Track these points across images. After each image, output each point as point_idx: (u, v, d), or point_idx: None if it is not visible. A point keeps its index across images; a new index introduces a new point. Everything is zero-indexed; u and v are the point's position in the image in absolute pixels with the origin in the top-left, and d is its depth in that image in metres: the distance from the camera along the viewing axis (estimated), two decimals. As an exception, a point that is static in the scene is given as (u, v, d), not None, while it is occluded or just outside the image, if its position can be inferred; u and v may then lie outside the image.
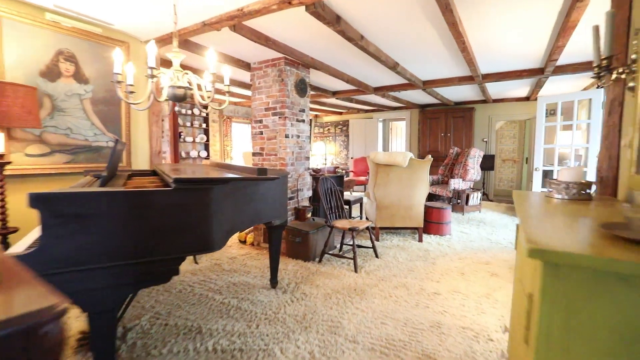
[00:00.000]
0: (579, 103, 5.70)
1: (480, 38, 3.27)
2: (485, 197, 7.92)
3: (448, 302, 2.81)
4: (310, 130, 10.71)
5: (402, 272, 3.46)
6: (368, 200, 4.91)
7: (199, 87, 2.07)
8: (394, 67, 4.07)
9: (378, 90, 5.74)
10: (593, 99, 4.99)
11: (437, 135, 8.26)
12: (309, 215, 4.11)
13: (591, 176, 5.03)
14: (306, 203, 4.38)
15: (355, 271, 3.45)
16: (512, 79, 4.68)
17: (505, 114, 7.78)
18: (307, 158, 4.39)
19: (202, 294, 2.88)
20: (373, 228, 4.73)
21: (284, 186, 2.71)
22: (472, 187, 6.72)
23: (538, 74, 4.47)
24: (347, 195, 6.08)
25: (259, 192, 2.20)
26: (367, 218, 5.13)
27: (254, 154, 4.25)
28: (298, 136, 4.18)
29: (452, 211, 6.40)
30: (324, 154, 10.40)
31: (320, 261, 3.75)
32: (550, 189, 1.45)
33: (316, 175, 4.62)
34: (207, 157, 6.95)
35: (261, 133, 4.15)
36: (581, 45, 3.45)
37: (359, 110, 9.52)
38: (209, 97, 1.99)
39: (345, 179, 8.65)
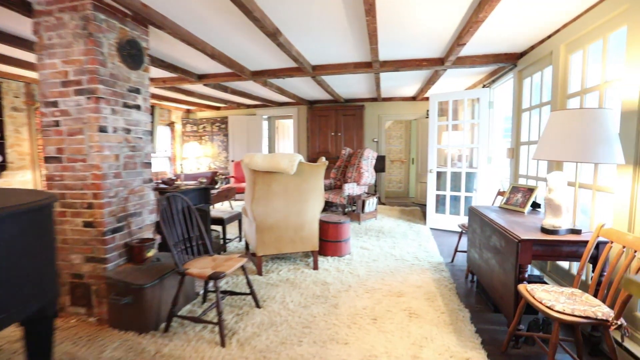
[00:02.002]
0: (461, 102, 5.63)
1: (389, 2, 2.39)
2: (378, 200, 7.54)
3: (366, 388, 1.79)
4: (152, 122, 8.85)
5: (295, 332, 2.33)
6: (247, 219, 3.66)
7: None
8: (274, 34, 2.92)
9: (258, 75, 4.54)
10: (481, 98, 4.81)
11: (327, 135, 7.53)
12: (151, 253, 2.63)
13: (484, 182, 4.87)
14: (149, 233, 2.86)
15: (222, 344, 2.17)
16: (411, 69, 4.07)
17: (393, 113, 7.54)
18: (148, 165, 2.88)
19: None
20: (254, 255, 3.52)
21: (37, 232, 1.24)
22: (367, 191, 6.13)
23: (437, 64, 3.95)
24: (223, 209, 4.69)
25: None
26: (247, 244, 3.87)
27: (47, 160, 2.53)
28: (128, 131, 2.64)
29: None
30: (200, 157, 8.67)
31: (167, 329, 2.34)
32: None
33: (165, 189, 3.13)
34: (3, 164, 4.61)
35: (57, 124, 2.47)
36: (499, 25, 2.93)
37: (239, 105, 8.15)
38: None
39: (224, 186, 7.19)
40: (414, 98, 7.22)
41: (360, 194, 5.79)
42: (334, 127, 7.46)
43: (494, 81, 4.61)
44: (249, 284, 2.63)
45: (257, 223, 3.30)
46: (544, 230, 2.19)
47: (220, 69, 4.41)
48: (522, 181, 3.77)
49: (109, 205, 2.45)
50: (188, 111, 8.86)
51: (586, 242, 2.04)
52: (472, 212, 3.13)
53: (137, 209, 2.73)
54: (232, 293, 2.72)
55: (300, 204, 3.36)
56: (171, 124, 8.12)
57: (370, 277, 3.33)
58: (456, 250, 3.79)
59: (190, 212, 2.62)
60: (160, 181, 3.26)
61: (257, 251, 3.36)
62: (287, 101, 7.94)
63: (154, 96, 6.30)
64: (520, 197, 3.03)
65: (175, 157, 8.46)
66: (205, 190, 3.50)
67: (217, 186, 7.60)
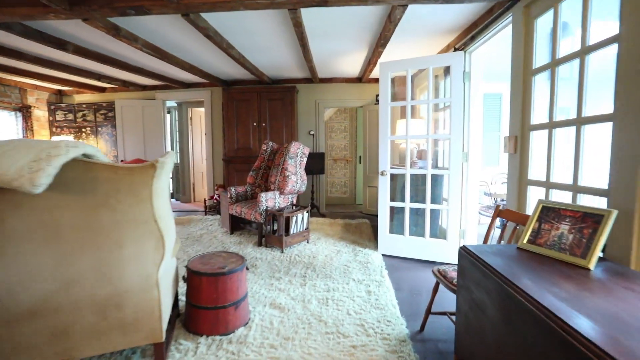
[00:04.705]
0: (425, 76, 4.12)
1: None
2: (317, 210, 5.84)
3: None
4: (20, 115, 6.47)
5: None
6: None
7: None
8: None
9: (81, 6, 2.55)
10: (452, 67, 3.29)
11: (248, 126, 5.66)
12: None
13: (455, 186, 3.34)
14: None
15: None
16: (348, 1, 2.37)
17: (334, 98, 5.88)
18: None
19: None
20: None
21: None
22: (294, 202, 4.38)
23: (393, -10, 2.30)
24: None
25: None
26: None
27: None
28: None
29: (267, 246, 3.86)
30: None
31: None
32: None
33: None
34: None
35: None
36: None
37: (127, 84, 5.95)
38: None
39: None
40: (359, 79, 5.64)
41: (284, 207, 4.02)
42: (256, 115, 5.61)
43: (472, 38, 3.10)
44: None
45: (-8, 305, 1.38)
46: None
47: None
48: (534, 192, 2.24)
49: None
50: (60, 93, 6.46)
51: None
52: (470, 261, 1.51)
53: None
54: None
55: (103, 253, 1.49)
56: (25, 109, 5.70)
57: (266, 402, 1.56)
58: (429, 312, 2.19)
59: None
60: None
61: (5, 365, 1.44)
62: (198, 81, 5.96)
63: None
64: (566, 230, 1.46)
65: (39, 155, 6.04)
66: None
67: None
